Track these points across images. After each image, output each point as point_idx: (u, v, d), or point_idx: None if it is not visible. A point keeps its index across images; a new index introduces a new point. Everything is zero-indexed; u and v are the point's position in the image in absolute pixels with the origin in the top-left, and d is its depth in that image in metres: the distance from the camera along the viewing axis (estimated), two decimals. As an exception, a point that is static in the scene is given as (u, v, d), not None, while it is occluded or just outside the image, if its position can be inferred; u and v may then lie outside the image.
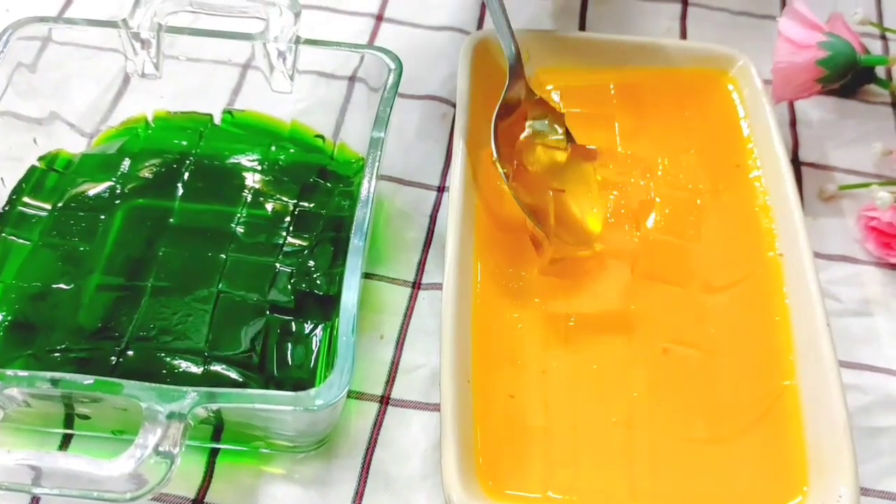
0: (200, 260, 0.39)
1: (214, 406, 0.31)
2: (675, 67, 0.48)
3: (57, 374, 0.31)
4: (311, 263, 0.39)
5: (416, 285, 0.43)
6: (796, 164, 0.49)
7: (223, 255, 0.39)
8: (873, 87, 0.53)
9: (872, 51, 0.53)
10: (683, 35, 0.55)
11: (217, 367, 0.36)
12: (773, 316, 0.39)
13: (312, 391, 0.31)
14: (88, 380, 0.31)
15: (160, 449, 0.30)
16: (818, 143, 0.50)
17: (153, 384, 0.31)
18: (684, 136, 0.47)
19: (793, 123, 0.51)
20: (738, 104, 0.47)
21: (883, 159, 0.49)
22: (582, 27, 0.56)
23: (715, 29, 0.56)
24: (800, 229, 0.40)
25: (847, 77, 0.48)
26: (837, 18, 0.51)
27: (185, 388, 0.31)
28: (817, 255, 0.44)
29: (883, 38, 0.56)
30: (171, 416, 0.30)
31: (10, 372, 0.31)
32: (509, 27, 0.45)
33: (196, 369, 0.36)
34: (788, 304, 0.39)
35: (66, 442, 0.37)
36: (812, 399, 0.36)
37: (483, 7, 0.55)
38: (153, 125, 0.45)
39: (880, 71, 0.52)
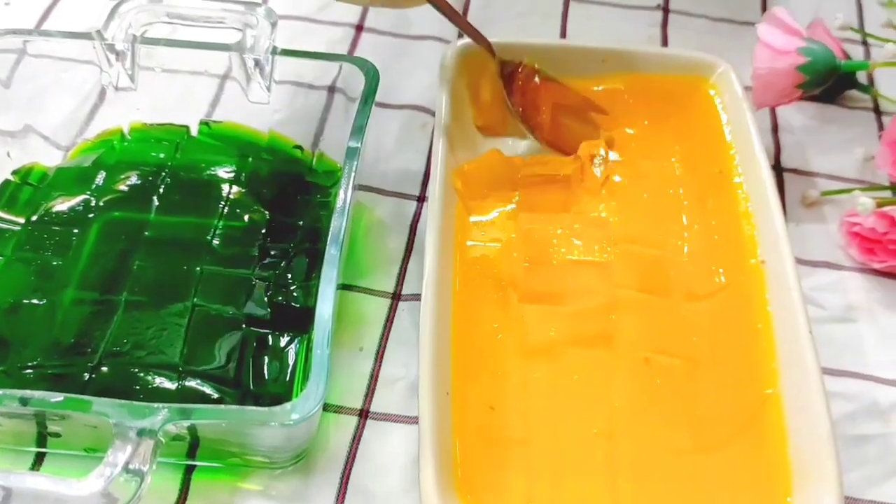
0: (175, 273, 0.39)
1: (186, 423, 0.30)
2: (656, 74, 0.48)
3: (27, 393, 0.31)
4: (289, 276, 0.39)
5: (396, 296, 0.42)
6: (778, 170, 0.49)
7: (198, 268, 0.39)
8: (855, 93, 0.52)
9: (854, 56, 0.53)
10: (665, 42, 0.55)
11: (192, 383, 0.35)
12: (756, 323, 0.39)
13: (287, 406, 0.31)
14: (58, 397, 0.30)
15: (130, 467, 0.29)
16: (800, 149, 0.50)
17: (123, 401, 0.30)
18: (666, 144, 0.47)
19: (775, 129, 0.51)
20: (719, 111, 0.47)
21: (865, 164, 0.49)
22: (563, 35, 0.55)
23: (696, 35, 0.56)
24: (782, 236, 0.40)
25: (828, 83, 0.48)
26: (818, 24, 0.51)
27: (156, 405, 0.30)
28: (800, 261, 0.44)
29: (864, 43, 0.56)
30: (141, 432, 0.30)
31: (-23, 391, 0.31)
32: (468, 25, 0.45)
33: (170, 385, 0.35)
34: (771, 312, 0.39)
35: (39, 460, 0.36)
36: (796, 407, 0.36)
37: (464, 16, 0.55)
38: (129, 137, 0.44)
39: (862, 76, 0.52)
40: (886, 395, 0.40)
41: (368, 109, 0.40)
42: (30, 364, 0.36)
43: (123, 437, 0.29)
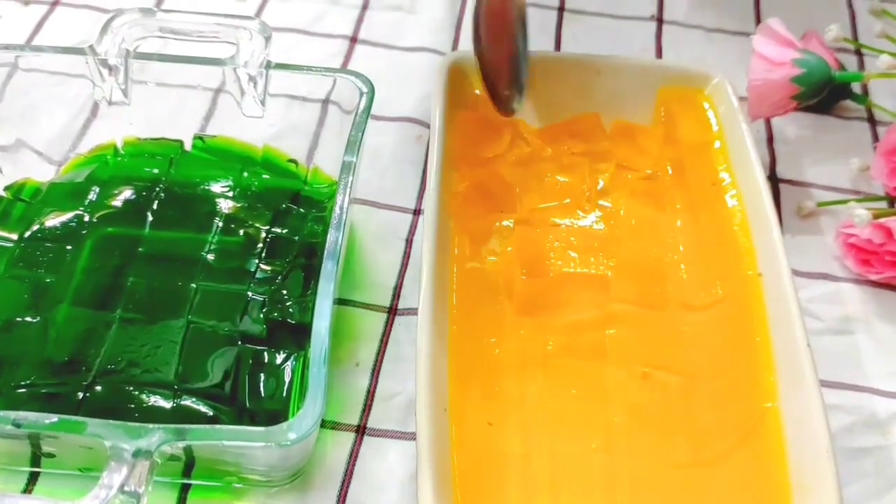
0: (170, 289, 0.38)
1: (182, 443, 0.30)
2: (650, 86, 0.48)
3: (20, 415, 0.30)
4: (284, 291, 0.38)
5: (393, 311, 0.42)
6: (774, 181, 0.49)
7: (193, 285, 0.38)
8: (849, 103, 0.53)
9: (848, 66, 0.53)
10: (659, 53, 0.55)
11: (187, 401, 0.35)
12: (754, 336, 0.39)
13: (284, 425, 0.31)
14: (52, 419, 0.30)
15: (126, 488, 0.29)
16: (795, 160, 0.50)
17: (118, 422, 0.30)
18: (660, 155, 0.47)
19: (769, 140, 0.51)
20: (713, 122, 0.47)
21: (860, 175, 0.49)
22: (557, 46, 0.55)
23: (690, 46, 0.56)
24: (778, 247, 0.40)
25: (823, 93, 0.48)
26: (812, 35, 0.51)
27: (151, 425, 0.30)
28: (796, 273, 0.44)
29: (858, 53, 0.56)
30: (137, 453, 0.29)
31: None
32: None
33: (165, 403, 0.35)
34: (769, 324, 0.39)
35: (32, 480, 0.36)
36: (794, 421, 0.36)
37: (458, 28, 0.55)
38: (122, 152, 0.44)
39: (856, 87, 0.52)
40: (884, 406, 0.40)
41: (364, 123, 0.40)
42: (23, 383, 0.35)
43: (119, 458, 0.29)
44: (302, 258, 0.40)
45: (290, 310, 0.38)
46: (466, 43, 0.54)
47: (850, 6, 0.59)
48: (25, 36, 0.53)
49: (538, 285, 0.41)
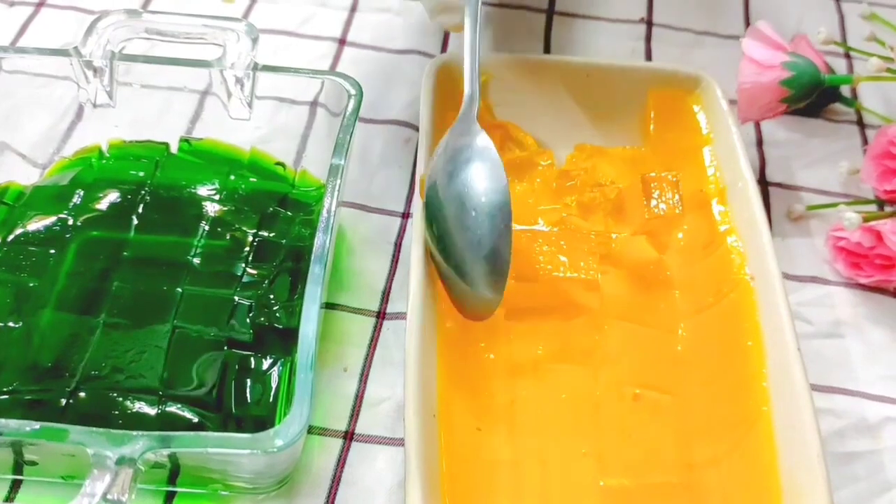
0: (155, 294, 0.38)
1: (167, 451, 0.29)
2: (639, 88, 0.48)
3: (1, 422, 0.30)
4: (271, 296, 0.38)
5: (381, 315, 0.42)
6: (763, 184, 0.49)
7: (179, 289, 0.38)
8: (839, 106, 0.52)
9: (837, 70, 0.53)
10: (648, 56, 0.55)
11: (172, 408, 0.34)
12: (745, 340, 0.39)
13: (271, 432, 0.30)
14: (34, 426, 0.29)
15: (109, 496, 0.28)
16: (785, 164, 0.50)
17: (101, 429, 0.29)
18: (649, 158, 0.46)
19: (759, 143, 0.51)
20: (703, 125, 0.47)
21: (850, 178, 0.49)
22: (546, 49, 0.55)
23: (679, 49, 0.56)
24: (768, 251, 0.40)
25: (812, 96, 0.48)
26: (801, 38, 0.51)
27: (135, 433, 0.29)
28: (787, 276, 0.44)
29: (847, 56, 0.56)
30: (120, 461, 0.29)
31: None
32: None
33: (150, 410, 0.34)
34: (760, 328, 0.39)
35: (14, 488, 0.35)
36: (785, 426, 0.36)
37: (447, 31, 0.55)
38: (108, 155, 0.44)
39: (845, 90, 0.52)
40: (875, 411, 0.40)
41: (352, 125, 0.39)
42: (5, 389, 0.35)
43: (101, 465, 0.29)
44: (289, 262, 0.39)
45: (277, 314, 0.37)
46: (455, 45, 0.54)
47: (839, 9, 0.59)
48: (10, 37, 0.52)
49: (527, 290, 0.41)
